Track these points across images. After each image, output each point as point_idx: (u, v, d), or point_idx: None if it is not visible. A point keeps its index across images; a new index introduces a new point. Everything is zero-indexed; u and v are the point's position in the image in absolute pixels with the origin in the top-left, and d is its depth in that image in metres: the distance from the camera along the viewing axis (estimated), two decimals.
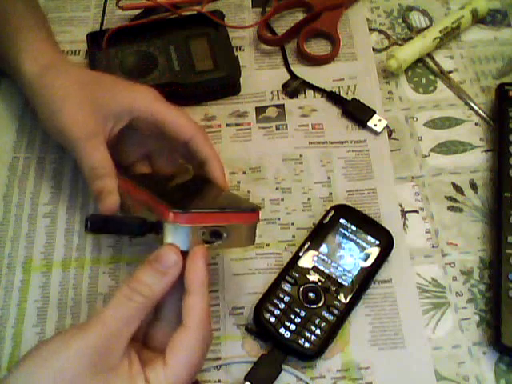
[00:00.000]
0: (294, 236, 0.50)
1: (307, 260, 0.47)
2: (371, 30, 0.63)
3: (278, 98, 0.58)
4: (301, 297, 0.45)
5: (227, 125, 0.56)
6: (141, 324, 0.36)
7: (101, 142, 0.45)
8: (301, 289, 0.46)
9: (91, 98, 0.46)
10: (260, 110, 0.57)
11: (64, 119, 0.45)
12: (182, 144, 0.46)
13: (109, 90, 0.46)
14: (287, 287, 0.46)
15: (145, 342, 0.39)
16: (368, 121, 0.55)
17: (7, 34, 0.50)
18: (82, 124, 0.45)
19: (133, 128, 0.47)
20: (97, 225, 0.37)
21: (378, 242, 0.48)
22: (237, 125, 0.56)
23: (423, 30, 0.62)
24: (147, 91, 0.47)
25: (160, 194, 0.39)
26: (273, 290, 0.46)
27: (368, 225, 0.49)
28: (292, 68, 0.59)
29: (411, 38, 0.60)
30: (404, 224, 0.51)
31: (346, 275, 0.46)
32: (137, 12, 0.62)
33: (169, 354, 0.36)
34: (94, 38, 0.57)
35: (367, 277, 0.46)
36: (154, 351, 0.38)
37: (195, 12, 0.59)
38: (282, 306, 0.45)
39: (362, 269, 0.47)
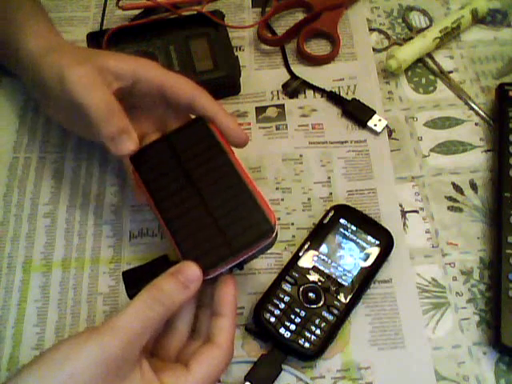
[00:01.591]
0: (294, 236, 0.50)
1: (307, 260, 0.47)
2: (371, 29, 0.63)
3: (278, 98, 0.58)
4: (301, 297, 0.45)
5: None
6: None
7: (105, 87, 0.43)
8: (301, 289, 0.46)
9: (94, 59, 0.45)
10: (260, 110, 0.57)
11: (71, 78, 0.43)
12: (186, 107, 0.45)
13: (113, 58, 0.46)
14: (287, 287, 0.46)
15: (154, 352, 0.40)
16: (368, 121, 0.55)
17: (8, 18, 0.50)
18: (85, 76, 0.43)
19: (136, 102, 0.47)
20: (135, 291, 0.38)
21: (378, 242, 0.48)
22: None
23: (423, 29, 0.62)
24: (149, 61, 0.47)
25: (175, 233, 0.40)
26: (273, 289, 0.46)
27: (368, 225, 0.49)
28: (292, 68, 0.59)
29: (411, 38, 0.60)
30: (404, 224, 0.51)
31: (345, 275, 0.46)
32: (137, 12, 0.62)
33: (194, 364, 0.37)
34: (94, 38, 0.57)
35: (367, 277, 0.46)
36: (162, 361, 0.39)
37: (195, 12, 0.59)
38: (282, 306, 0.45)
39: (362, 269, 0.47)
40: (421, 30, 0.62)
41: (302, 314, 0.44)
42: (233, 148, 0.45)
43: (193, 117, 0.47)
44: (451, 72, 0.60)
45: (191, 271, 0.37)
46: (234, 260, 0.39)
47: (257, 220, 0.40)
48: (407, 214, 0.51)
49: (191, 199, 0.41)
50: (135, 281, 0.41)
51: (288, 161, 0.54)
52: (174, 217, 0.41)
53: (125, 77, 0.45)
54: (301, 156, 0.54)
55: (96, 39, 0.57)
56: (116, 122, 0.42)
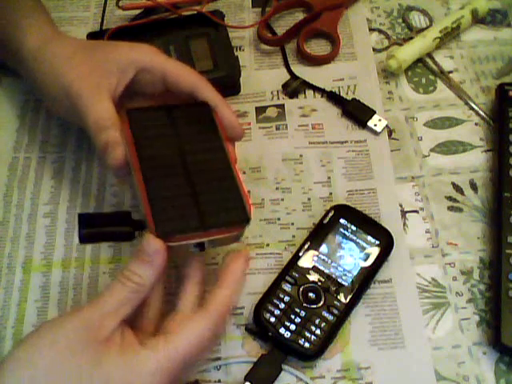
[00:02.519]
0: (294, 236, 0.50)
1: (307, 260, 0.47)
2: (371, 29, 0.63)
3: (278, 98, 0.58)
4: (301, 297, 0.45)
5: None
6: (136, 309, 0.37)
7: (105, 95, 0.44)
8: (301, 289, 0.46)
9: (96, 55, 0.46)
10: (260, 110, 0.57)
11: (70, 75, 0.44)
12: (188, 95, 0.45)
13: (112, 49, 0.46)
14: (287, 287, 0.46)
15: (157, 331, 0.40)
16: (368, 121, 0.55)
17: (7, 14, 0.50)
18: (86, 77, 0.44)
19: (138, 89, 0.47)
20: (88, 239, 0.40)
21: (378, 242, 0.48)
22: None
23: (423, 29, 0.62)
24: (148, 46, 0.47)
25: (152, 192, 0.39)
26: (273, 289, 0.46)
27: (368, 225, 0.49)
28: (292, 68, 0.59)
29: (411, 38, 0.60)
30: (404, 224, 0.51)
31: (345, 275, 0.46)
32: (136, 12, 0.62)
33: (176, 327, 0.37)
34: (94, 38, 0.57)
35: (367, 277, 0.46)
36: (144, 333, 0.39)
37: (195, 12, 0.59)
38: (282, 306, 0.45)
39: (362, 269, 0.47)
40: (421, 30, 0.62)
41: (302, 314, 0.44)
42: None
43: None
44: (451, 72, 0.60)
45: (149, 246, 0.37)
46: (200, 235, 0.38)
47: (235, 206, 0.40)
48: (407, 214, 0.51)
49: (176, 169, 0.41)
50: (89, 224, 0.40)
51: (288, 161, 0.54)
52: (154, 177, 0.40)
53: (127, 70, 0.45)
54: (301, 156, 0.54)
55: (96, 39, 0.57)
56: (112, 135, 0.43)
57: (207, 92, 0.45)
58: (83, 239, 0.40)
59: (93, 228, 0.40)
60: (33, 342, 0.35)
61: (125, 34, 0.57)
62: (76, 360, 0.34)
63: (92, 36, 0.57)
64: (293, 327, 0.44)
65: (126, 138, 0.42)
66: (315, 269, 0.46)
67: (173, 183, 0.40)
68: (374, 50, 0.61)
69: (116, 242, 0.42)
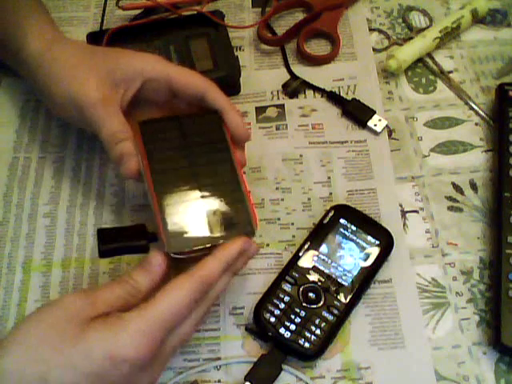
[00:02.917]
0: (294, 236, 0.50)
1: (307, 260, 0.47)
2: (371, 30, 0.63)
3: (278, 98, 0.58)
4: (301, 297, 0.45)
5: None
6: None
7: (116, 107, 0.45)
8: (301, 289, 0.46)
9: (101, 65, 0.46)
10: (260, 110, 0.57)
11: (77, 86, 0.45)
12: (196, 100, 0.46)
13: (117, 57, 0.47)
14: (287, 287, 0.46)
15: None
16: (368, 121, 0.55)
17: (8, 16, 0.50)
18: (96, 89, 0.45)
19: (144, 97, 0.47)
20: (108, 254, 0.42)
21: (378, 242, 0.48)
22: None
23: (423, 29, 0.62)
24: (153, 55, 0.47)
25: (163, 206, 0.41)
26: (273, 289, 0.46)
27: (368, 225, 0.49)
28: (292, 68, 0.59)
29: (411, 38, 0.60)
30: (404, 224, 0.51)
31: (345, 275, 0.46)
32: (136, 12, 0.62)
33: (159, 293, 0.37)
34: (94, 38, 0.57)
35: (367, 277, 0.46)
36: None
37: (195, 12, 0.59)
38: (282, 306, 0.45)
39: (362, 269, 0.47)
40: (421, 30, 0.62)
41: (302, 314, 0.44)
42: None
43: None
44: (451, 72, 0.60)
45: (155, 260, 0.40)
46: (207, 248, 0.40)
47: (242, 220, 0.42)
48: (407, 214, 0.51)
49: (187, 182, 0.43)
50: (109, 239, 0.42)
51: (288, 161, 0.54)
52: (165, 191, 0.42)
53: (134, 80, 0.46)
54: (301, 156, 0.54)
55: (96, 39, 0.57)
56: (127, 146, 0.44)
57: (215, 97, 0.45)
58: (103, 254, 0.42)
59: (111, 243, 0.42)
60: (25, 322, 0.36)
61: (125, 34, 0.57)
62: (60, 334, 0.35)
63: (92, 36, 0.57)
64: (293, 327, 0.44)
65: (139, 149, 0.44)
66: (315, 269, 0.46)
67: (183, 197, 0.42)
68: (374, 50, 0.61)
69: (133, 254, 0.43)
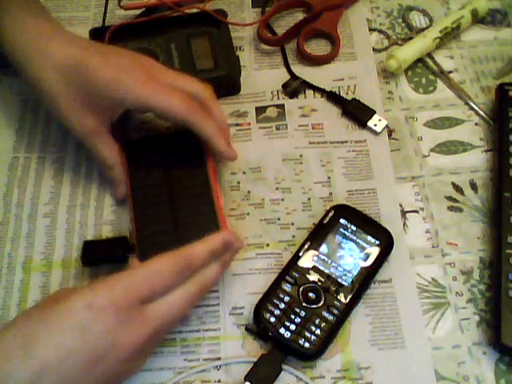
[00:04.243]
0: (294, 236, 0.50)
1: (307, 260, 0.47)
2: (371, 30, 0.63)
3: (278, 98, 0.58)
4: (301, 297, 0.45)
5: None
6: None
7: (104, 135, 0.48)
8: (301, 289, 0.46)
9: (81, 95, 0.46)
10: (260, 110, 0.57)
11: (63, 117, 0.47)
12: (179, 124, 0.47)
13: (95, 84, 0.45)
14: (287, 287, 0.46)
15: None
16: (368, 121, 0.55)
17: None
18: (81, 123, 0.47)
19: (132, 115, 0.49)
20: (89, 264, 0.48)
21: (378, 242, 0.48)
22: (237, 125, 0.56)
23: (423, 29, 0.62)
24: (134, 77, 0.45)
25: (139, 220, 0.47)
26: (273, 289, 0.46)
27: (368, 225, 0.49)
28: (292, 68, 0.59)
29: (411, 38, 0.60)
30: (404, 224, 0.51)
31: (345, 275, 0.46)
32: (137, 12, 0.62)
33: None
34: (96, 35, 0.57)
35: (367, 277, 0.46)
36: None
37: (198, 10, 0.59)
38: (282, 306, 0.45)
39: (362, 269, 0.47)
40: (421, 30, 0.62)
41: (302, 314, 0.44)
42: None
43: None
44: (451, 72, 0.60)
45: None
46: None
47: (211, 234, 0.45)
48: (407, 214, 0.51)
49: (162, 197, 0.48)
50: (91, 251, 0.47)
51: (288, 161, 0.54)
52: (142, 207, 0.48)
53: (116, 109, 0.48)
54: (301, 156, 0.54)
55: (98, 36, 0.57)
56: (116, 173, 0.50)
57: (198, 127, 0.46)
58: (84, 263, 0.47)
59: (93, 254, 0.47)
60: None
61: (127, 31, 0.57)
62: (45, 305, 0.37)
63: (95, 32, 0.57)
64: (293, 327, 0.44)
65: (123, 167, 0.49)
66: (315, 269, 0.46)
67: (158, 212, 0.47)
68: (374, 50, 0.61)
69: (112, 264, 0.47)
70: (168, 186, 0.48)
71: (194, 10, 0.59)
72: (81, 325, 0.35)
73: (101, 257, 0.47)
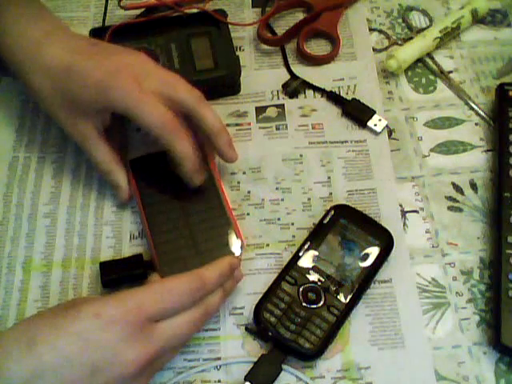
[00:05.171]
0: (294, 236, 0.50)
1: (307, 260, 0.47)
2: (371, 30, 0.63)
3: (278, 98, 0.58)
4: (301, 297, 0.45)
5: (227, 125, 0.55)
6: None
7: (96, 139, 0.48)
8: (301, 289, 0.46)
9: (69, 99, 0.46)
10: (260, 110, 0.57)
11: (58, 120, 0.48)
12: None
13: (83, 90, 0.45)
14: (287, 287, 0.46)
15: None
16: (368, 121, 0.55)
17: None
18: (72, 127, 0.47)
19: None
20: (110, 285, 0.46)
21: (377, 242, 0.48)
22: (237, 125, 0.56)
23: (423, 29, 0.62)
24: (120, 83, 0.44)
25: (156, 239, 0.47)
26: (273, 289, 0.46)
27: (368, 225, 0.49)
28: (292, 68, 0.59)
29: (411, 38, 0.60)
30: (404, 224, 0.51)
31: (345, 275, 0.46)
32: (137, 12, 0.62)
33: None
34: (96, 35, 0.57)
35: (367, 277, 0.46)
36: None
37: (198, 10, 0.59)
38: (282, 305, 0.45)
39: (362, 269, 0.47)
40: (421, 30, 0.62)
41: (302, 313, 0.44)
42: None
43: None
44: (451, 72, 0.60)
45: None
46: None
47: (229, 247, 0.47)
48: (407, 214, 0.51)
49: (176, 212, 0.48)
50: (109, 271, 0.47)
51: (288, 161, 0.54)
52: (157, 224, 0.48)
53: (103, 113, 0.47)
54: (301, 156, 0.54)
55: (98, 35, 0.56)
56: (114, 177, 0.49)
57: (171, 146, 0.45)
58: (105, 285, 0.46)
59: (112, 275, 0.46)
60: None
61: (127, 31, 0.57)
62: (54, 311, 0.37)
63: (95, 32, 0.57)
64: (293, 327, 0.44)
65: (131, 184, 0.50)
66: (315, 269, 0.46)
67: (174, 227, 0.48)
68: (374, 50, 0.61)
69: (133, 283, 0.46)
70: (180, 199, 0.49)
71: (194, 10, 0.59)
72: (85, 333, 0.35)
73: (121, 276, 0.46)
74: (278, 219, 0.51)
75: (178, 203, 0.49)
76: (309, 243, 0.48)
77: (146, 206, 0.49)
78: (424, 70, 0.60)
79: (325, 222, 0.49)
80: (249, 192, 0.52)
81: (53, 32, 0.48)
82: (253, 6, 0.64)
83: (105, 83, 0.44)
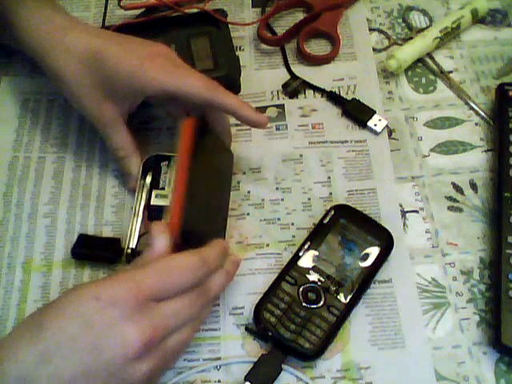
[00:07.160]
0: (294, 236, 0.50)
1: (307, 260, 0.47)
2: (371, 30, 0.63)
3: (278, 98, 0.58)
4: (301, 297, 0.45)
5: None
6: None
7: (121, 125, 0.49)
8: (301, 289, 0.46)
9: (102, 84, 0.46)
10: (260, 110, 0.57)
11: (83, 106, 0.48)
12: (203, 106, 0.47)
13: (116, 72, 0.46)
14: (287, 287, 0.46)
15: None
16: (368, 121, 0.55)
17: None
18: (100, 112, 0.48)
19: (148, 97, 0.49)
20: (78, 256, 0.48)
21: (377, 242, 0.48)
22: (237, 125, 0.56)
23: (423, 29, 0.62)
24: (155, 64, 0.46)
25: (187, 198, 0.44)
26: (273, 289, 0.46)
27: (368, 225, 0.49)
28: (292, 68, 0.59)
29: (411, 38, 0.60)
30: (404, 224, 0.51)
31: (345, 275, 0.46)
32: (137, 12, 0.62)
33: None
34: None
35: (367, 277, 0.46)
36: None
37: (198, 10, 0.59)
38: (282, 305, 0.45)
39: (362, 269, 0.47)
40: (421, 30, 0.62)
41: (302, 313, 0.44)
42: None
43: None
44: (451, 72, 0.60)
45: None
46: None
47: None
48: (407, 214, 0.51)
49: (206, 184, 0.47)
50: (83, 245, 0.48)
51: (288, 161, 0.54)
52: (192, 187, 0.44)
53: (137, 96, 0.48)
54: (301, 156, 0.54)
55: None
56: (127, 164, 0.50)
57: (221, 100, 0.46)
58: (73, 255, 0.48)
59: (83, 248, 0.48)
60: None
61: (127, 31, 0.57)
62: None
63: None
64: (293, 327, 0.44)
65: (181, 140, 0.45)
66: (315, 269, 0.46)
67: (199, 202, 0.46)
68: (374, 50, 0.61)
69: (99, 262, 0.48)
70: (211, 173, 0.49)
71: (194, 10, 0.59)
72: (86, 314, 0.35)
73: (89, 253, 0.48)
74: (278, 219, 0.51)
75: (209, 176, 0.48)
76: (309, 243, 0.48)
77: (192, 171, 0.44)
78: (424, 70, 0.60)
79: (325, 221, 0.49)
80: (249, 192, 0.52)
81: (76, 20, 0.50)
82: (253, 6, 0.64)
83: (141, 65, 0.45)
